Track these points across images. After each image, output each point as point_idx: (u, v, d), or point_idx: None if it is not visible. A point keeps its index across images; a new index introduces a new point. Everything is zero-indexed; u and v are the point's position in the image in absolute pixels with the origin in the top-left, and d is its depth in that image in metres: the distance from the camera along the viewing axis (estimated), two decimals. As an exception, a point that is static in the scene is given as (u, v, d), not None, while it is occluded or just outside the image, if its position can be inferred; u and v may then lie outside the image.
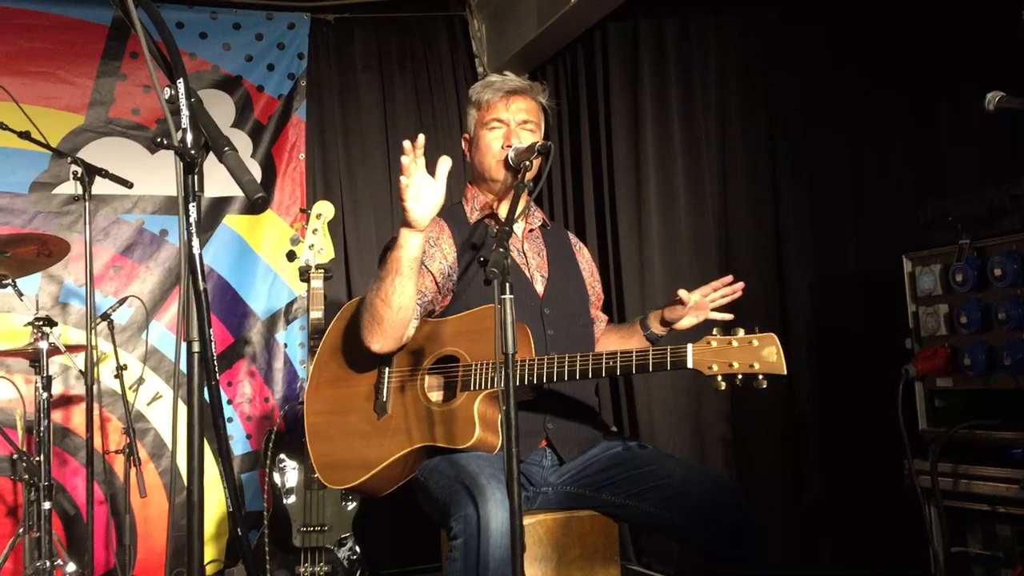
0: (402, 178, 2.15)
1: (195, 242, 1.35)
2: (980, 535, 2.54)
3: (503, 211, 2.49)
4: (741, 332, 1.97)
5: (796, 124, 3.62)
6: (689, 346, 2.01)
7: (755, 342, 1.93)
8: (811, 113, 3.55)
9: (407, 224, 2.19)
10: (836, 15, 3.40)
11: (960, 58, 2.96)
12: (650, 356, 2.06)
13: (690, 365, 2.00)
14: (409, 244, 2.20)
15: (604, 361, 2.10)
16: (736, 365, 1.94)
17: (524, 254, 2.52)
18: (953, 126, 3.01)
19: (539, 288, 2.47)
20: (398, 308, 2.24)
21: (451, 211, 2.57)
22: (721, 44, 3.80)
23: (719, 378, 1.96)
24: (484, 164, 2.50)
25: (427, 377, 2.35)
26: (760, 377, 1.93)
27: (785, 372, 1.91)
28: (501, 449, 2.23)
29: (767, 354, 1.91)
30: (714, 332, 2.00)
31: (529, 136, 2.47)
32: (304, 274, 3.22)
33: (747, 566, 2.14)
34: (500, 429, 2.22)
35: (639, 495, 2.26)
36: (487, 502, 1.99)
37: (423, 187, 2.16)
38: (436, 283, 2.43)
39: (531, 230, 2.59)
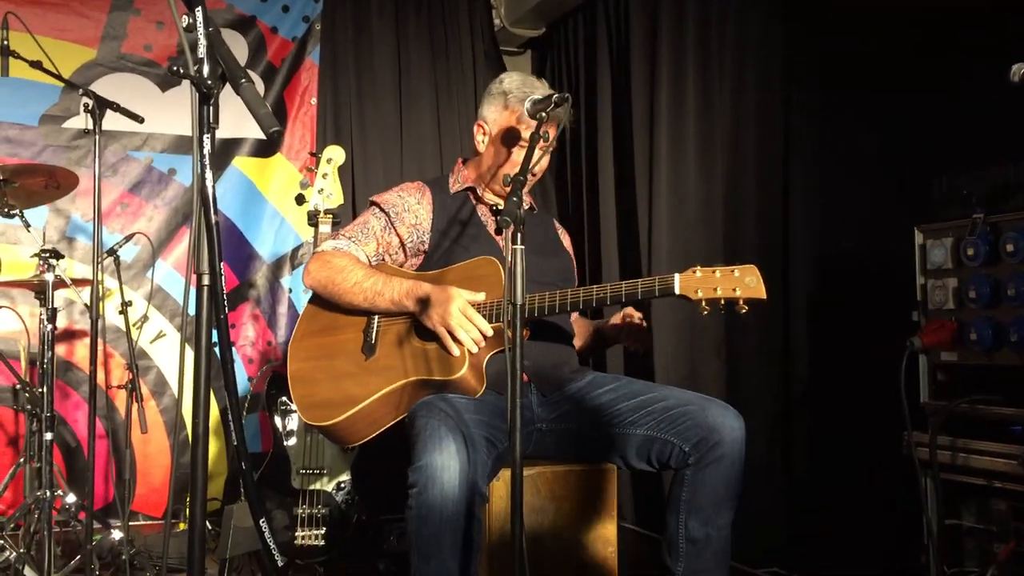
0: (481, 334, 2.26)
1: (208, 174, 1.33)
2: (975, 509, 2.55)
3: (485, 195, 2.61)
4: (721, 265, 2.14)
5: (812, 92, 3.57)
6: (676, 275, 2.15)
7: (737, 272, 2.10)
8: (828, 81, 3.51)
9: (438, 309, 2.27)
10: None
11: (979, 30, 2.92)
12: (639, 286, 2.20)
13: (677, 291, 2.13)
14: (410, 305, 2.33)
15: (595, 293, 2.23)
16: (720, 291, 2.10)
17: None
18: (971, 99, 2.97)
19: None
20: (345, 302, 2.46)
21: (437, 181, 2.67)
22: (742, 4, 3.75)
23: (704, 303, 2.12)
24: (499, 172, 2.54)
25: (417, 323, 2.37)
26: (742, 302, 2.09)
27: (765, 297, 2.09)
28: (486, 393, 2.29)
29: (748, 281, 2.09)
30: (697, 266, 2.14)
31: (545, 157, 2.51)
32: (312, 219, 3.20)
33: (731, 490, 2.20)
34: (485, 374, 2.29)
35: (636, 423, 2.30)
36: (441, 454, 2.02)
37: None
38: (402, 243, 2.54)
39: None
